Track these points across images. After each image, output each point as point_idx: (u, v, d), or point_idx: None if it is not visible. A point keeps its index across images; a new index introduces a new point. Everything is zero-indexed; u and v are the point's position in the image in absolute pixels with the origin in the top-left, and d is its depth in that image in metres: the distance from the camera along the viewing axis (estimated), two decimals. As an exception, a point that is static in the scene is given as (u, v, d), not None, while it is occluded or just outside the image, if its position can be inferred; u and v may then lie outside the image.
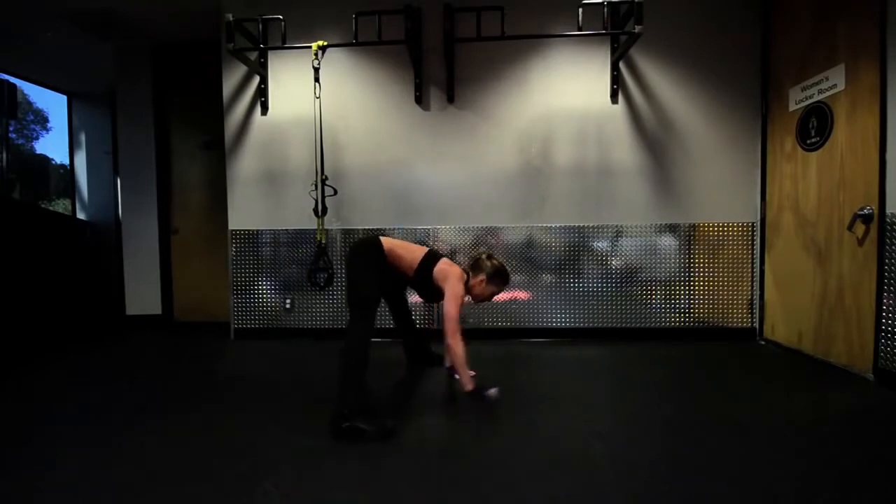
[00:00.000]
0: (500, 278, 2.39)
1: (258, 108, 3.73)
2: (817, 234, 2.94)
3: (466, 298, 2.39)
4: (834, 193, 2.81)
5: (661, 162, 3.53)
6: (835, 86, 2.78)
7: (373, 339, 2.14)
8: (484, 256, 2.43)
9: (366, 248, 2.35)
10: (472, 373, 2.24)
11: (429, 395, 2.47)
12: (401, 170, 3.66)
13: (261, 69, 3.65)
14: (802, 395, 2.37)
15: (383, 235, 2.46)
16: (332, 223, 3.64)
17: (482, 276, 2.36)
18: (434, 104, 3.64)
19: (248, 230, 3.77)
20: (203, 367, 3.10)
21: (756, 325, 3.52)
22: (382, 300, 2.59)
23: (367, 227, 3.68)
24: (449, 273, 2.32)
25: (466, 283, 2.37)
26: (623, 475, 1.60)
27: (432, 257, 2.41)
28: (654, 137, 3.53)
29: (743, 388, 2.50)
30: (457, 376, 2.26)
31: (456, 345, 2.16)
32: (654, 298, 3.56)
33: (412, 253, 2.42)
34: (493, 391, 2.18)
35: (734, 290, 3.52)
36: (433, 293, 2.43)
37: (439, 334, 2.31)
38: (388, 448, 1.82)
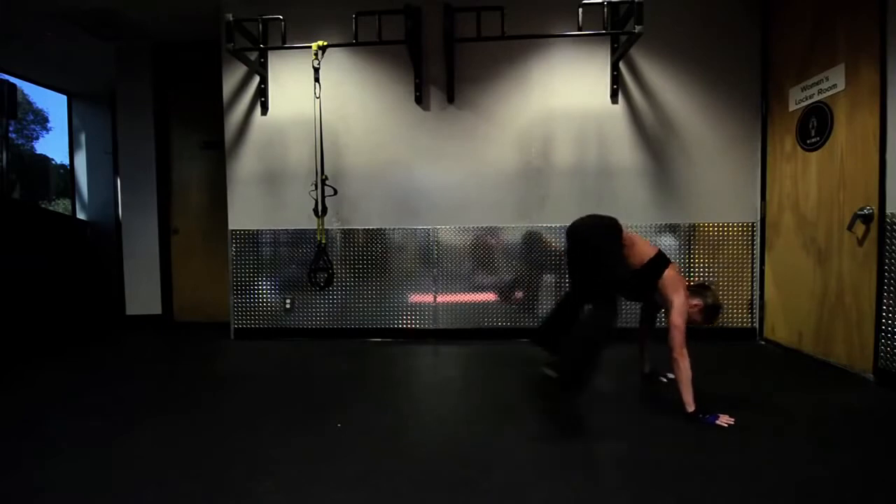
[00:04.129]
0: (711, 314, 2.25)
1: (258, 108, 3.72)
2: (817, 234, 2.94)
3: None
4: (834, 193, 2.80)
5: (661, 162, 3.53)
6: (835, 86, 2.77)
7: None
8: (712, 287, 2.34)
9: (612, 228, 2.23)
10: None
11: (429, 394, 2.47)
12: (401, 170, 3.66)
13: (261, 69, 3.65)
14: (802, 395, 2.37)
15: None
16: (332, 223, 3.64)
17: (699, 302, 2.23)
18: (434, 104, 3.64)
19: (248, 230, 3.76)
20: (203, 367, 3.10)
21: (756, 325, 3.52)
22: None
23: (367, 227, 3.68)
24: (679, 285, 2.20)
25: None
26: (624, 475, 1.60)
27: (664, 260, 2.27)
28: (654, 137, 3.53)
29: (743, 388, 2.50)
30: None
31: (683, 360, 2.04)
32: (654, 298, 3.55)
33: (644, 246, 2.29)
34: (724, 419, 1.99)
35: (734, 290, 3.52)
36: (646, 293, 2.30)
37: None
38: (389, 448, 1.82)
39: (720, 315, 2.31)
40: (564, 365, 1.99)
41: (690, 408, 2.01)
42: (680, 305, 2.13)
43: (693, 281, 2.29)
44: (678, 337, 2.07)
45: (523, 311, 3.62)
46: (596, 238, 2.23)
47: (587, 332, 2.09)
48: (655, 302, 2.35)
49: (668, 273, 2.23)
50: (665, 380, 2.51)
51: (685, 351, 2.06)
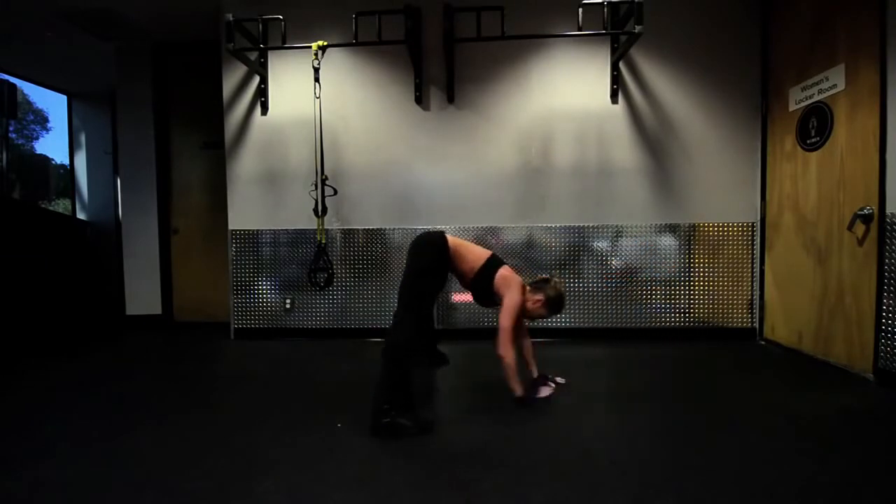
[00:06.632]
0: (554, 306, 2.32)
1: (258, 108, 3.72)
2: (817, 234, 2.94)
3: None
4: (834, 193, 2.80)
5: (661, 162, 3.53)
6: (835, 86, 2.78)
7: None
8: (553, 280, 2.37)
9: (433, 243, 2.29)
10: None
11: (427, 394, 2.47)
12: (401, 170, 3.66)
13: (261, 69, 3.65)
14: (802, 395, 2.37)
15: (448, 234, 2.38)
16: (332, 223, 3.64)
17: (540, 297, 2.30)
18: (434, 104, 3.64)
19: (248, 230, 3.76)
20: (203, 367, 3.10)
21: (756, 325, 3.52)
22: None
23: (367, 227, 3.68)
24: (511, 282, 2.26)
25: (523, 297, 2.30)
26: (623, 476, 1.60)
27: (495, 262, 2.34)
28: (654, 137, 3.53)
29: (743, 388, 2.50)
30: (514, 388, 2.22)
31: (507, 355, 2.16)
32: (654, 298, 3.56)
33: (475, 254, 2.35)
34: (544, 391, 2.18)
35: (734, 290, 3.52)
36: (488, 298, 2.35)
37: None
38: (388, 448, 1.82)
39: (564, 303, 2.36)
40: (384, 400, 1.95)
41: (518, 393, 2.17)
42: (508, 305, 2.20)
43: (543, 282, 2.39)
44: (502, 335, 2.15)
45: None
46: (418, 251, 2.28)
47: (387, 354, 2.07)
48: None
49: (500, 273, 2.29)
50: (553, 384, 2.46)
51: (509, 347, 2.16)
